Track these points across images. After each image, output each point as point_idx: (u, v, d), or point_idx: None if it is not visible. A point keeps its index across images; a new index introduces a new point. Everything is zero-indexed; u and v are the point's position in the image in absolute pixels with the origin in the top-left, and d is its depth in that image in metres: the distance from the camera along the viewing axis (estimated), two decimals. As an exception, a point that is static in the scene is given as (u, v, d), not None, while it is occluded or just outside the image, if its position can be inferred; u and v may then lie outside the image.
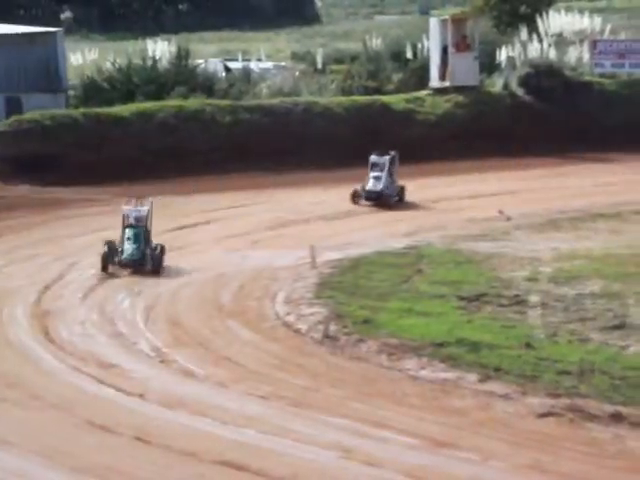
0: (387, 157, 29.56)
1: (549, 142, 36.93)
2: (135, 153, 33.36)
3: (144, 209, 22.74)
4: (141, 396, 15.24)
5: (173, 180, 32.00)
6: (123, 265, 22.03)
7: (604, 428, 14.04)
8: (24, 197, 30.63)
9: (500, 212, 28.61)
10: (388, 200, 29.24)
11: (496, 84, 39.68)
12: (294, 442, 13.49)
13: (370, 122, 37.19)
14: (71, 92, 38.76)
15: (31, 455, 12.95)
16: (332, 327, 18.35)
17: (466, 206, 29.81)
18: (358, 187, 29.64)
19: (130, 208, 22.81)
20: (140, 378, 16.18)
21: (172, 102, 36.36)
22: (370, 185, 29.31)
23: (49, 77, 37.72)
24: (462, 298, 20.16)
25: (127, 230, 22.30)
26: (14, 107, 36.20)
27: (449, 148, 36.30)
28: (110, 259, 22.08)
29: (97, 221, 27.65)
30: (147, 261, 22.01)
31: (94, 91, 38.15)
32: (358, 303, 19.81)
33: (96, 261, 23.31)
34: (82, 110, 35.35)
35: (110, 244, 22.30)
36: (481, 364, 16.30)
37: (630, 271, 22.18)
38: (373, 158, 29.69)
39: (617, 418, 14.23)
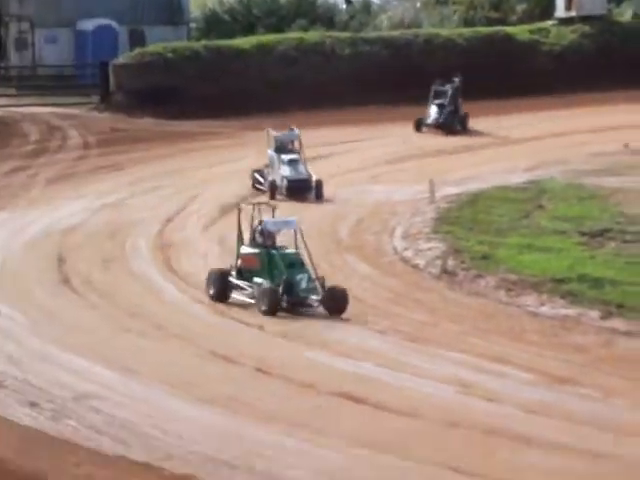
0: (295, 132, 23.85)
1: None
2: (255, 86, 33.49)
3: (289, 220, 16.79)
4: (261, 328, 15.46)
5: (292, 113, 32.02)
6: (297, 304, 15.97)
7: None
8: (147, 130, 31.08)
9: (626, 146, 27.96)
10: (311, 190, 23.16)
11: (625, 13, 38.55)
12: (412, 376, 13.53)
13: (493, 54, 36.55)
14: (193, 25, 39.07)
15: (155, 383, 13.26)
16: (450, 262, 18.29)
17: (590, 140, 29.21)
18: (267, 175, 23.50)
19: (272, 220, 16.60)
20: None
21: (292, 34, 36.34)
22: (289, 172, 23.24)
23: (171, 10, 38.05)
24: (584, 234, 19.86)
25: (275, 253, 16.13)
26: (137, 40, 36.69)
27: (574, 80, 35.49)
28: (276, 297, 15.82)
29: (219, 154, 27.93)
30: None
31: (215, 23, 38.42)
32: (476, 238, 19.67)
33: (218, 192, 23.52)
34: (203, 43, 35.61)
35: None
36: (603, 301, 16.09)
37: None
38: (279, 136, 23.76)
39: None
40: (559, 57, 37.26)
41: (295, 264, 15.97)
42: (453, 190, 23.75)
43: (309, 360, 14.26)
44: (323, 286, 15.80)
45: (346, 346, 14.72)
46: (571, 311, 15.91)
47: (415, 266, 18.67)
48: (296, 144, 23.63)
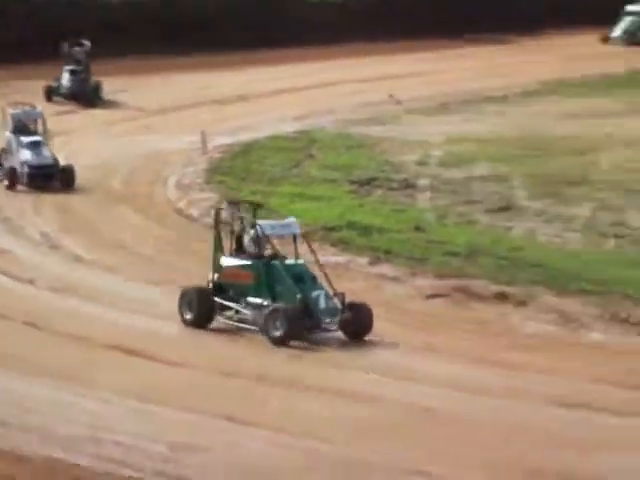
0: (37, 110, 21.01)
1: (448, 24, 37.02)
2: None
3: (289, 222, 13.64)
4: (31, 282, 15.15)
5: (46, 62, 30.92)
6: (315, 327, 13.02)
7: (490, 307, 14.46)
8: None
9: (391, 96, 28.74)
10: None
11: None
12: (185, 328, 13.54)
13: (276, 3, 36.64)
14: None
15: None
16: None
17: (357, 90, 29.85)
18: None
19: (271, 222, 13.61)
20: (30, 264, 16.05)
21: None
22: (31, 157, 20.10)
23: None
24: (353, 182, 20.39)
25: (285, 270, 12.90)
26: None
27: (356, 30, 35.97)
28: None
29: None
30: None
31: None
32: (249, 188, 19.88)
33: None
34: None
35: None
36: (372, 247, 16.58)
37: (515, 153, 22.69)
38: (17, 114, 20.61)
39: (502, 297, 14.66)
40: (342, 7, 37.66)
41: (304, 277, 12.97)
42: (226, 140, 23.84)
43: (81, 313, 14.08)
44: (344, 304, 12.88)
45: (119, 298, 14.59)
46: (342, 258, 16.31)
47: (189, 216, 18.69)
48: (39, 124, 20.75)
